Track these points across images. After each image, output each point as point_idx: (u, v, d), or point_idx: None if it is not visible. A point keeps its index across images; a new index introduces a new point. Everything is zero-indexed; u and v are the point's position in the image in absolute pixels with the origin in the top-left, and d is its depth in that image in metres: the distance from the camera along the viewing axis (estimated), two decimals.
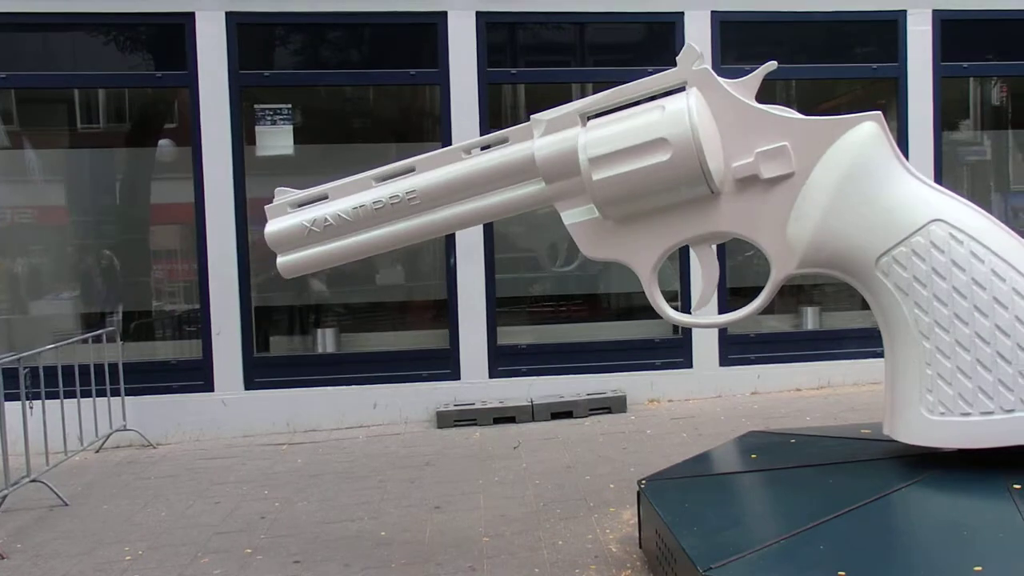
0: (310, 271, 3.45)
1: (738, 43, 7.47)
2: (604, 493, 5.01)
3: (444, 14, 7.07)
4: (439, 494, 5.13)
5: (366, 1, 7.01)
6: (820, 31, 7.63)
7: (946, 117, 7.86)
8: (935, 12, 7.61)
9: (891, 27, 7.66)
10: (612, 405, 7.02)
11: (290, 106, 7.35)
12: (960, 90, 8.34)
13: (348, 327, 7.55)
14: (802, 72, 7.75)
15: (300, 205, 3.25)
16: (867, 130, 2.66)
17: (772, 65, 2.80)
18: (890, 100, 7.77)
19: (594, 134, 2.84)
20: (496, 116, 7.61)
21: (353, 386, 7.00)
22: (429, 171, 3.14)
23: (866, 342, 7.55)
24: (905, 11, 7.60)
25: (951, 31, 7.65)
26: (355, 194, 3.19)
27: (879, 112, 2.69)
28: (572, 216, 2.99)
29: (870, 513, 2.73)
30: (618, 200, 2.83)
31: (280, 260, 3.29)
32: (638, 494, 3.83)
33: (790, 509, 3.12)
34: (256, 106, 7.23)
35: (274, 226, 3.25)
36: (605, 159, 2.77)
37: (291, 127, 7.35)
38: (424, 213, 3.11)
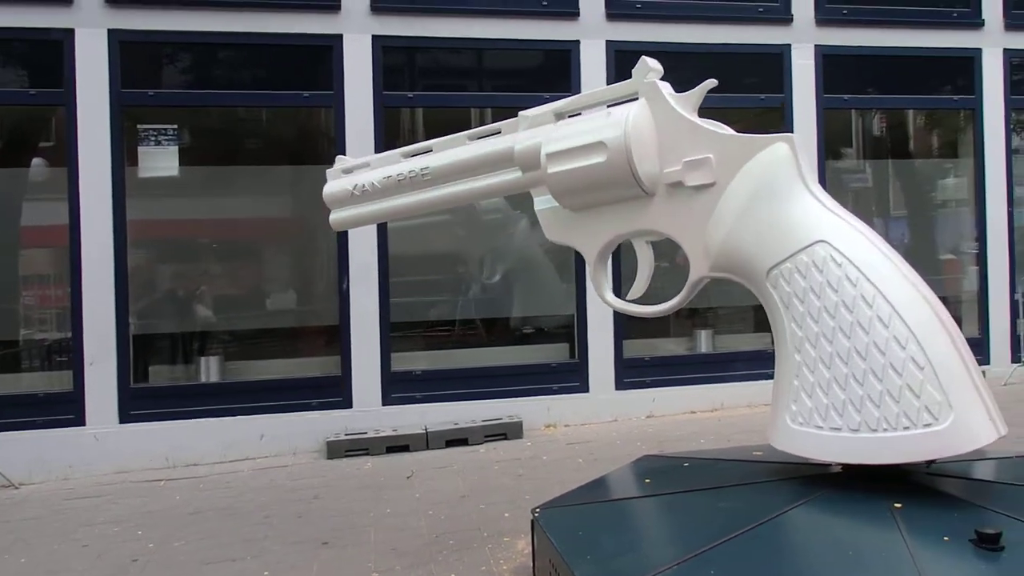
0: (353, 227, 4.13)
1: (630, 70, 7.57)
2: (499, 522, 4.91)
3: (339, 37, 6.96)
4: (328, 528, 4.93)
5: (259, 22, 6.83)
6: (712, 62, 7.79)
7: (830, 146, 8.17)
8: (817, 47, 7.91)
9: (777, 60, 7.91)
10: (508, 431, 6.93)
11: (176, 127, 7.07)
12: (842, 121, 8.69)
13: (234, 354, 7.24)
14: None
15: (349, 171, 3.68)
16: (777, 150, 2.78)
17: (712, 83, 3.00)
18: (778, 129, 8.00)
19: (554, 133, 3.12)
20: (393, 139, 7.50)
21: (238, 417, 6.72)
22: (440, 152, 3.48)
23: (757, 364, 7.72)
24: (790, 45, 7.87)
25: (832, 65, 7.96)
26: (386, 166, 3.58)
27: (792, 135, 2.77)
28: (541, 203, 3.28)
29: (760, 535, 2.71)
30: (567, 192, 3.10)
31: (331, 216, 3.78)
32: (532, 522, 3.73)
33: (684, 533, 3.08)
34: (139, 126, 6.93)
35: (329, 187, 3.74)
36: (557, 155, 3.05)
37: (177, 148, 7.07)
38: (433, 189, 3.47)
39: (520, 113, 3.29)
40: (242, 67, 7.21)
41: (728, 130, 2.90)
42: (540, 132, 3.19)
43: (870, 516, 2.65)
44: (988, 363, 8.50)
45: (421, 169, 3.46)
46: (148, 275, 7.17)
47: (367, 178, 3.60)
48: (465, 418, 6.97)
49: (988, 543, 2.19)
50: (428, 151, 3.52)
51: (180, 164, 7.10)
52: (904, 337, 2.50)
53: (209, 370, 7.04)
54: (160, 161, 7.00)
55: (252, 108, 7.34)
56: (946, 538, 2.35)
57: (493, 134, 3.41)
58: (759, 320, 8.37)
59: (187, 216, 7.34)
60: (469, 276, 7.88)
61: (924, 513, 2.58)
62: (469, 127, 7.66)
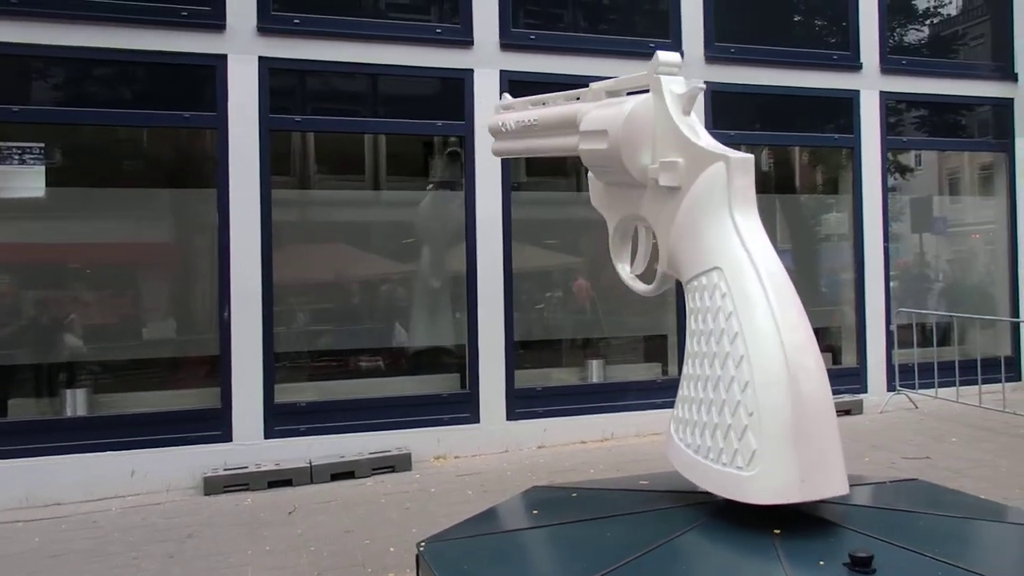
0: (504, 156, 4.52)
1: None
2: (384, 557, 4.81)
3: (224, 57, 6.74)
4: (202, 569, 4.69)
5: (139, 38, 6.55)
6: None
7: None
8: (707, 83, 8.11)
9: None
10: (396, 463, 6.76)
11: (43, 145, 6.69)
12: None
13: (105, 386, 6.85)
14: None
15: (508, 107, 3.92)
16: (716, 169, 2.80)
17: (702, 86, 3.04)
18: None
19: (592, 112, 3.26)
20: (282, 163, 7.32)
21: (107, 452, 6.32)
22: (548, 107, 3.65)
23: (647, 394, 7.81)
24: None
25: (721, 102, 8.18)
26: (519, 111, 3.82)
27: (744, 156, 2.75)
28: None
29: (645, 564, 2.68)
30: (590, 167, 3.32)
31: (492, 145, 4.06)
32: (417, 557, 3.61)
33: (569, 564, 3.02)
34: (1, 144, 6.53)
35: (490, 120, 4.02)
36: (583, 134, 3.23)
37: (43, 168, 6.68)
38: (539, 138, 3.70)
39: (591, 85, 3.46)
40: (119, 84, 6.89)
41: (702, 138, 2.88)
42: (588, 107, 3.34)
43: (751, 543, 2.66)
44: (866, 392, 8.83)
45: (533, 120, 3.69)
46: (9, 302, 6.73)
47: (510, 118, 3.85)
48: (352, 451, 6.77)
49: (861, 567, 2.23)
50: (542, 104, 3.74)
51: (48, 185, 6.70)
52: (744, 381, 2.53)
53: (76, 403, 6.62)
54: (24, 181, 6.59)
55: (129, 127, 7.00)
56: (821, 563, 2.37)
57: (573, 100, 3.61)
58: (649, 350, 8.50)
59: (55, 240, 6.92)
60: (358, 305, 7.70)
61: (801, 539, 2.60)
62: (362, 153, 7.59)
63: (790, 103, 8.59)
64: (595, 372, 8.09)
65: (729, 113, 8.26)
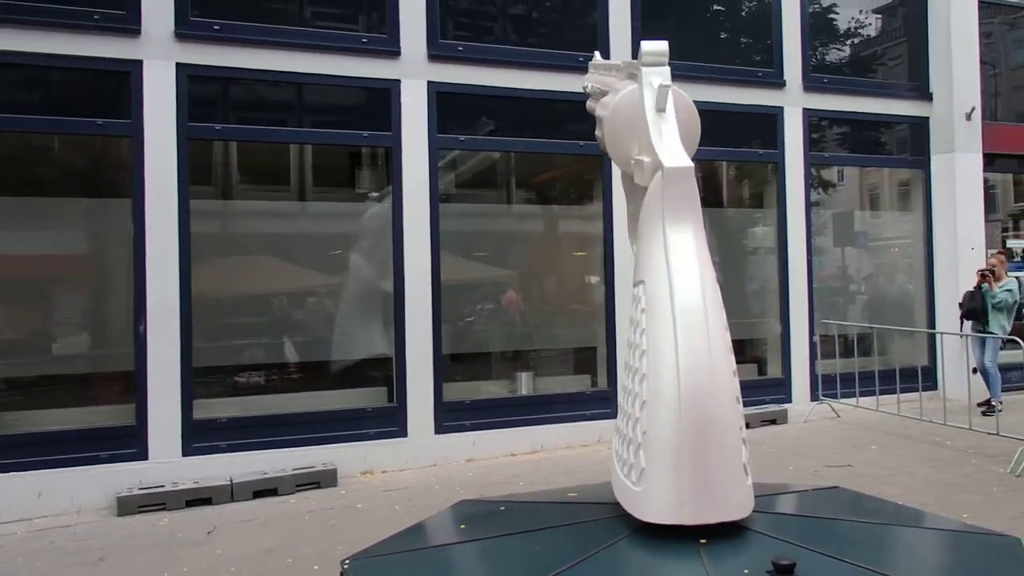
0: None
1: (454, 113, 7.56)
2: None
3: (139, 63, 6.53)
4: None
5: (48, 42, 6.31)
6: (535, 108, 7.91)
7: None
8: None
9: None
10: (321, 479, 6.60)
11: None
12: None
13: (12, 404, 6.52)
14: (514, 145, 7.98)
15: (598, 67, 3.67)
16: (656, 180, 2.75)
17: (668, 84, 2.86)
18: (597, 179, 8.20)
19: (606, 96, 3.16)
20: (201, 172, 7.11)
21: (12, 473, 6.04)
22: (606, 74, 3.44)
23: (577, 406, 7.80)
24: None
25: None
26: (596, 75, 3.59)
27: (680, 166, 2.66)
28: None
29: None
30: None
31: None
32: (341, 575, 3.51)
33: None
34: None
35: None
36: (597, 118, 3.16)
37: None
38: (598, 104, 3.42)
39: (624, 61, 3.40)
40: (29, 89, 6.61)
41: (664, 139, 2.77)
42: (617, 85, 3.22)
43: (677, 553, 2.65)
44: (790, 401, 8.97)
45: (604, 86, 3.46)
46: None
47: (592, 79, 3.64)
48: (275, 467, 6.59)
49: (784, 574, 2.21)
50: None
51: None
52: (643, 400, 2.54)
53: None
54: None
55: (40, 134, 6.71)
56: (746, 571, 2.37)
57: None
58: (579, 362, 8.50)
59: None
60: (282, 317, 7.51)
61: (726, 548, 2.60)
62: (287, 163, 7.41)
63: (717, 119, 8.69)
64: (524, 384, 8.05)
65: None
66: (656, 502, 2.49)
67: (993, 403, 8.44)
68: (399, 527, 4.11)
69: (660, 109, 2.80)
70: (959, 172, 9.80)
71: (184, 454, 6.51)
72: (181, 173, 6.59)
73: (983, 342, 8.70)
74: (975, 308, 8.89)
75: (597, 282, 8.32)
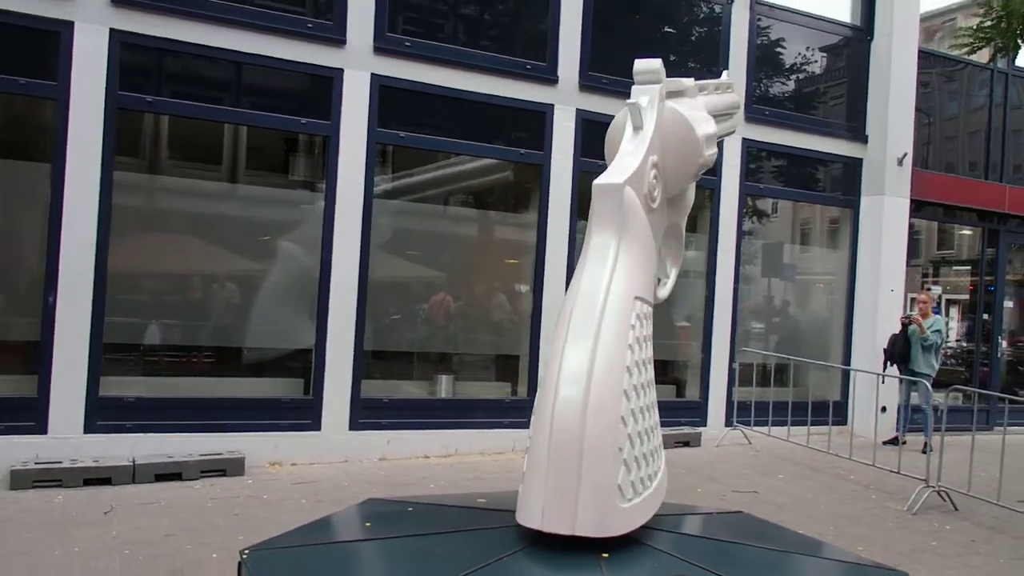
0: None
1: (396, 108, 7.48)
2: (205, 565, 4.58)
3: (70, 24, 6.28)
4: (1, 570, 4.28)
5: None
6: (476, 111, 7.87)
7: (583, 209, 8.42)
8: (578, 111, 8.22)
9: (540, 118, 8.13)
10: (228, 467, 6.45)
11: None
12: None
13: None
14: (455, 147, 7.93)
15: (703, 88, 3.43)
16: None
17: (631, 101, 2.78)
18: (535, 186, 8.21)
19: None
20: (129, 143, 6.89)
21: None
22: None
23: (495, 412, 7.77)
24: (553, 105, 8.12)
25: (588, 129, 8.29)
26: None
27: (604, 183, 2.62)
28: None
29: None
30: None
31: None
32: (239, 565, 3.43)
33: None
34: None
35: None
36: None
37: None
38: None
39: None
40: None
41: (625, 158, 2.72)
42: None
43: (579, 566, 2.65)
44: (705, 425, 9.10)
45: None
46: None
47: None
48: (181, 451, 6.41)
49: None
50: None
51: None
52: (535, 408, 2.60)
53: None
54: None
55: None
56: None
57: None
58: (501, 370, 8.48)
59: None
60: (201, 300, 7.31)
61: (628, 563, 2.62)
62: (221, 143, 7.18)
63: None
64: (444, 387, 7.99)
65: (597, 146, 8.36)
66: (525, 505, 2.54)
67: (927, 441, 8.56)
68: (304, 521, 4.03)
69: (635, 127, 2.77)
70: (886, 215, 10.11)
71: (86, 431, 6.29)
72: (107, 142, 6.37)
73: (911, 384, 8.96)
74: (901, 352, 9.19)
75: (526, 291, 8.33)
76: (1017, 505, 6.62)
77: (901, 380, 9.20)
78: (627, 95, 2.87)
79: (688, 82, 3.07)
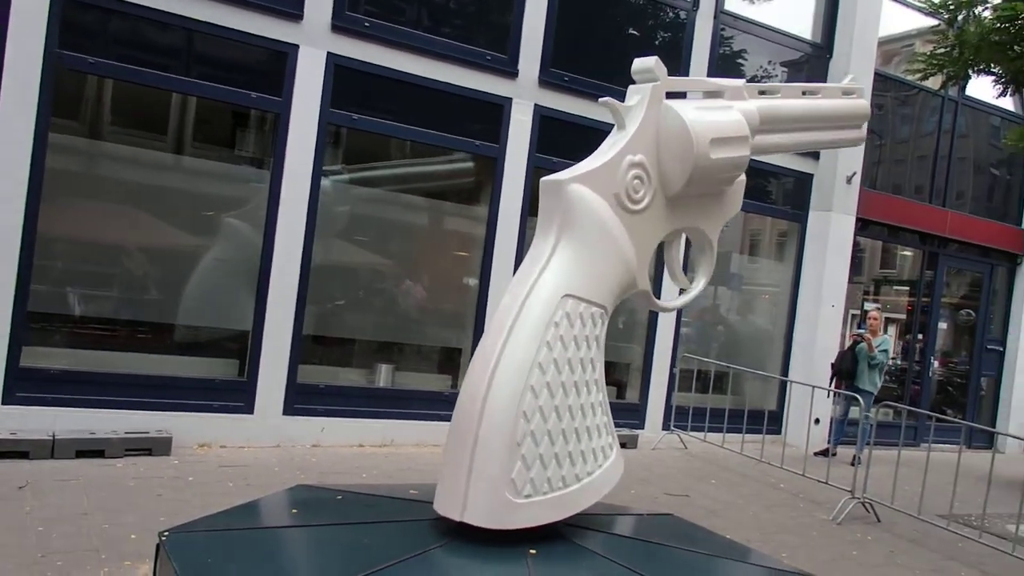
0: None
1: (351, 90, 7.35)
2: (122, 544, 4.44)
3: None
4: None
5: None
6: (432, 99, 7.77)
7: (531, 206, 8.39)
8: (536, 107, 8.16)
9: (497, 111, 8.06)
10: (154, 447, 6.27)
11: None
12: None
13: None
14: (409, 133, 7.82)
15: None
16: None
17: (606, 99, 2.70)
18: (490, 178, 8.14)
19: None
20: (68, 105, 6.61)
21: None
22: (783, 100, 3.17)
23: (433, 404, 7.69)
24: (511, 99, 8.05)
25: (546, 128, 8.25)
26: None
27: (547, 179, 2.58)
28: None
29: (395, 574, 2.56)
30: None
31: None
32: (157, 547, 3.32)
33: (318, 567, 2.89)
34: None
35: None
36: None
37: None
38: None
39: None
40: None
41: (595, 155, 2.68)
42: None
43: (505, 560, 2.63)
44: (643, 428, 9.14)
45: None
46: None
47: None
48: (105, 428, 6.20)
49: None
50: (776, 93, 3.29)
51: None
52: None
53: None
54: None
55: None
56: None
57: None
58: (443, 362, 8.41)
59: None
60: (136, 272, 7.08)
61: (554, 560, 2.60)
62: (167, 112, 6.89)
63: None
64: (384, 376, 7.88)
65: (553, 142, 8.33)
66: (438, 489, 2.59)
67: (859, 456, 8.66)
68: (229, 504, 3.93)
69: (619, 127, 2.72)
70: (832, 231, 10.26)
71: (4, 402, 6.04)
72: (43, 102, 6.12)
73: (850, 399, 9.16)
74: (848, 368, 9.39)
75: (473, 285, 8.26)
76: (936, 519, 6.79)
77: (839, 394, 9.37)
78: (587, 94, 2.83)
79: (729, 82, 2.97)
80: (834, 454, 8.86)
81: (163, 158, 7.27)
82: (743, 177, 2.94)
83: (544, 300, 2.52)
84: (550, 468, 2.53)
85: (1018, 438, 11.09)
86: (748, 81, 3.03)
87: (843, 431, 9.53)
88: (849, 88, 3.42)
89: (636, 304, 2.89)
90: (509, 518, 2.48)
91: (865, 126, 3.50)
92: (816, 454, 8.92)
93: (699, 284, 3.04)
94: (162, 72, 6.78)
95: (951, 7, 9.25)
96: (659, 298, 3.00)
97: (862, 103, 3.44)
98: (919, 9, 10.87)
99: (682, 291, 3.06)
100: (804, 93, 3.29)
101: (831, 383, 9.46)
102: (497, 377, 2.43)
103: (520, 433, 2.43)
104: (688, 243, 3.15)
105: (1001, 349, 12.72)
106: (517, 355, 2.45)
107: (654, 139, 2.73)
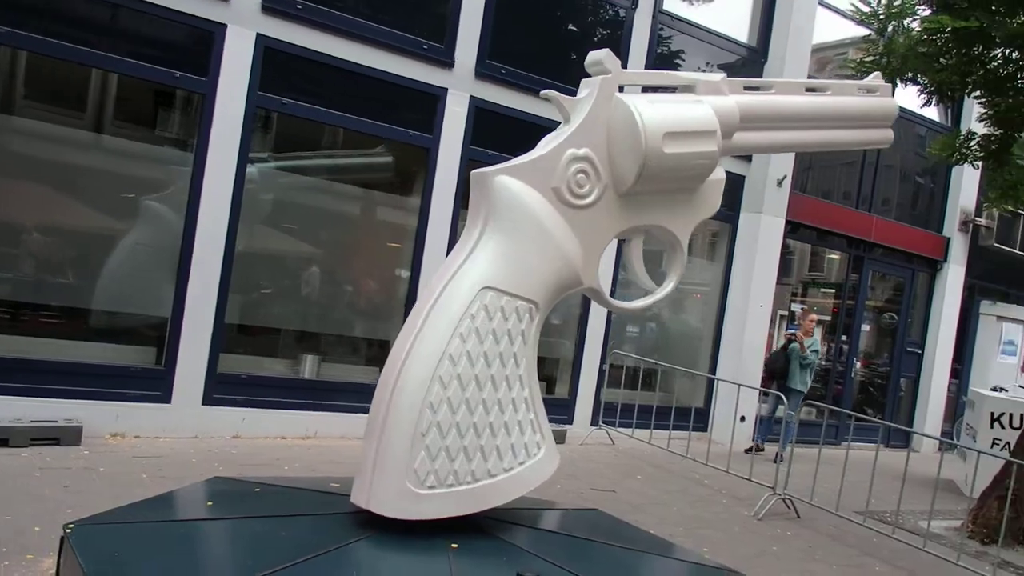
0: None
1: (281, 73, 7.16)
2: (25, 537, 4.26)
3: None
4: None
5: None
6: (365, 86, 7.63)
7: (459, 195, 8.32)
8: (472, 99, 8.08)
9: (432, 101, 7.96)
10: (62, 436, 6.01)
11: None
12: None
13: None
14: (341, 120, 7.65)
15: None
16: None
17: (547, 92, 2.57)
18: (423, 170, 8.03)
19: None
20: None
21: None
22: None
23: (360, 397, 7.54)
24: (447, 89, 7.95)
25: (481, 120, 8.17)
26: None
27: (474, 171, 2.48)
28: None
29: (308, 569, 2.47)
30: None
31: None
32: (61, 540, 3.17)
33: (231, 561, 2.78)
34: None
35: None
36: None
37: None
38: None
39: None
40: None
41: (537, 149, 2.58)
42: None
43: (426, 554, 2.56)
44: (571, 423, 9.14)
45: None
46: None
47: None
48: (9, 415, 5.93)
49: None
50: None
51: None
52: None
53: None
54: None
55: None
56: None
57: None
58: (371, 353, 8.27)
59: None
60: (48, 254, 6.77)
61: (476, 554, 2.55)
62: (87, 88, 6.58)
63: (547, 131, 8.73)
64: (309, 367, 7.72)
65: (487, 135, 8.26)
66: (354, 480, 2.53)
67: (782, 453, 8.77)
68: (141, 497, 3.77)
69: (564, 120, 2.62)
70: (762, 233, 10.42)
71: None
72: None
73: (779, 398, 9.29)
74: (781, 367, 9.60)
75: (404, 276, 8.15)
76: (854, 516, 6.94)
77: (766, 393, 9.54)
78: (524, 88, 2.77)
79: (702, 76, 2.87)
80: (761, 450, 9.01)
81: (81, 136, 6.97)
82: (721, 176, 2.83)
83: (461, 291, 2.46)
84: (457, 461, 2.46)
85: (933, 437, 11.48)
86: None
87: (771, 428, 9.72)
88: (872, 85, 3.26)
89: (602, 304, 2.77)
90: (411, 508, 2.43)
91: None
92: (746, 451, 9.06)
93: (666, 286, 2.89)
94: (82, 46, 6.49)
95: (881, 17, 9.45)
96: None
97: (888, 101, 3.29)
98: (851, 18, 11.10)
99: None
100: (808, 90, 3.15)
101: (763, 382, 9.64)
102: (407, 366, 2.37)
103: (425, 423, 2.37)
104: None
105: (920, 352, 13.11)
106: (428, 345, 2.39)
107: (604, 133, 2.65)
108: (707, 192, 2.86)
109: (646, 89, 2.75)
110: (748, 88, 2.96)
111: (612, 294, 2.75)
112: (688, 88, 2.84)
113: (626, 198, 2.68)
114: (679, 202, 2.83)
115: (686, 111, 2.72)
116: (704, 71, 10.32)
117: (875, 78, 3.27)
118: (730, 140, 2.85)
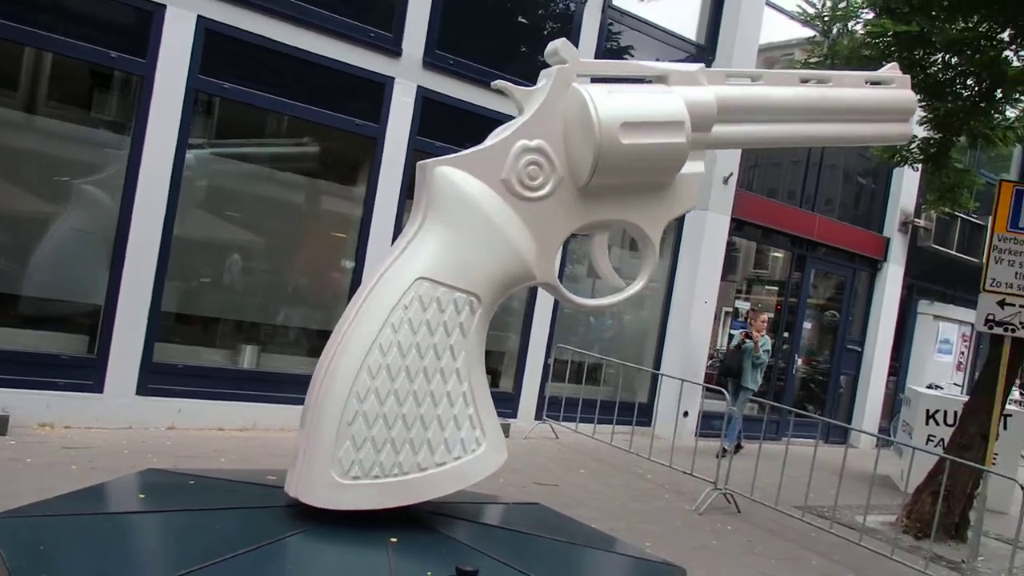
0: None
1: (223, 56, 6.98)
2: None
3: None
4: None
5: None
6: (309, 73, 7.48)
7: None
8: (419, 88, 7.97)
9: (379, 90, 7.84)
10: None
11: None
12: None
13: None
14: (285, 107, 7.49)
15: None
16: None
17: (497, 82, 2.47)
18: (370, 161, 7.91)
19: None
20: None
21: None
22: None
23: (300, 388, 7.35)
24: (394, 78, 7.85)
25: (428, 110, 8.08)
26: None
27: (419, 164, 2.39)
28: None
29: (243, 563, 2.39)
30: None
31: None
32: None
33: (161, 555, 2.66)
34: None
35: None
36: None
37: None
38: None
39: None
40: None
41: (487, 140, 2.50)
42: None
43: (364, 548, 2.50)
44: (515, 417, 9.11)
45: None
46: None
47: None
48: None
49: None
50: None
51: None
52: None
53: None
54: None
55: None
56: (429, 573, 2.25)
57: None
58: (315, 345, 8.12)
59: None
60: None
61: (416, 549, 2.49)
62: (19, 67, 6.36)
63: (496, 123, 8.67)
64: (248, 358, 7.55)
65: (435, 126, 8.17)
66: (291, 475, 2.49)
67: (726, 447, 8.73)
68: (70, 489, 3.63)
69: (520, 110, 2.54)
70: (707, 230, 10.50)
71: None
72: None
73: (735, 395, 9.48)
74: (733, 366, 9.82)
75: (348, 266, 8.02)
76: (793, 510, 7.04)
77: (723, 392, 9.56)
78: (472, 79, 2.70)
79: (674, 66, 2.70)
80: (740, 447, 9.10)
81: (12, 116, 6.72)
82: (698, 169, 2.66)
83: (395, 281, 2.39)
84: (383, 452, 2.40)
85: (870, 434, 11.72)
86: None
87: (739, 425, 9.68)
88: (887, 77, 3.04)
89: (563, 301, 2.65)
90: (334, 498, 2.37)
91: (912, 121, 3.26)
92: (724, 451, 8.78)
93: (635, 284, 2.73)
94: (15, 23, 6.23)
95: (826, 19, 9.59)
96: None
97: (904, 94, 3.06)
98: (797, 19, 11.25)
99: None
100: (804, 81, 2.94)
101: (718, 381, 9.75)
102: (338, 355, 2.31)
103: (351, 412, 2.31)
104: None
105: (860, 349, 13.37)
106: (360, 335, 2.33)
107: (559, 124, 2.56)
108: (681, 186, 2.68)
109: (614, 81, 2.66)
110: (732, 78, 2.78)
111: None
112: (661, 79, 2.72)
113: (587, 191, 2.58)
114: (649, 196, 2.70)
115: (648, 101, 2.59)
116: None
117: (891, 69, 3.05)
118: (708, 133, 2.69)
